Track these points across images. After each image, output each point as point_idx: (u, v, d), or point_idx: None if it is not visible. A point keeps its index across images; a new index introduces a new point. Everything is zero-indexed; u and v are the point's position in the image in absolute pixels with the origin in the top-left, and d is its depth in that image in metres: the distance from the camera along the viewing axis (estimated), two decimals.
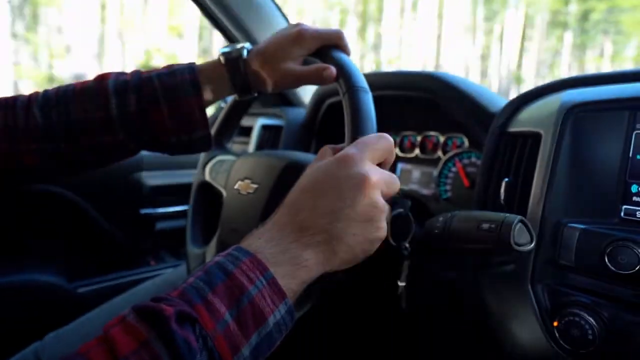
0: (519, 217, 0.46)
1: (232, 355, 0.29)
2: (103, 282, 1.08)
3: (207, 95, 0.54)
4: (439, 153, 0.89)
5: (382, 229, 0.39)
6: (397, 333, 0.99)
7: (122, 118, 0.52)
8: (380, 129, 0.45)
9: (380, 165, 0.41)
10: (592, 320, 0.45)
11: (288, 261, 0.35)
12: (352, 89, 0.47)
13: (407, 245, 0.66)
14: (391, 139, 0.42)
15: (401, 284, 0.68)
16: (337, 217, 0.36)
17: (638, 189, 0.48)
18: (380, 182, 0.38)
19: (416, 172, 0.94)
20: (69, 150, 0.52)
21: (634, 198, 0.48)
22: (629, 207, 0.48)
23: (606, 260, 0.45)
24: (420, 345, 0.94)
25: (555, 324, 0.48)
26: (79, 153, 0.53)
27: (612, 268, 0.44)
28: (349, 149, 0.39)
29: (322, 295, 0.54)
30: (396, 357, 0.98)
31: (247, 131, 1.17)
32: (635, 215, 0.47)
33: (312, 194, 0.38)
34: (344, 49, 0.54)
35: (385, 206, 0.39)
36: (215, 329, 0.29)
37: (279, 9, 1.05)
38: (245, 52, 0.54)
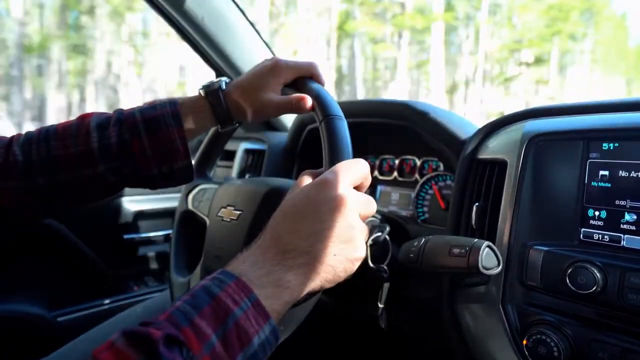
0: (487, 242, 0.49)
1: None
2: (85, 309, 1.06)
3: (189, 126, 0.56)
4: (416, 176, 0.93)
5: (361, 248, 0.41)
6: (380, 353, 1.00)
7: (103, 150, 0.52)
8: (360, 153, 0.47)
9: (357, 188, 0.43)
10: (557, 338, 0.48)
11: (272, 283, 0.36)
12: (327, 117, 0.50)
13: (385, 267, 0.69)
14: (367, 164, 0.45)
15: (381, 305, 0.70)
16: (317, 239, 0.38)
17: (594, 213, 0.51)
18: (358, 204, 0.41)
19: (395, 194, 0.97)
20: (47, 185, 0.52)
21: (591, 222, 0.51)
22: (587, 230, 0.52)
23: (567, 281, 0.48)
24: None
25: (524, 342, 0.51)
26: (58, 188, 0.53)
27: (573, 288, 0.47)
28: (327, 174, 0.42)
29: (306, 317, 0.55)
30: None
31: (230, 155, 1.19)
32: (592, 238, 0.51)
33: (293, 218, 0.40)
34: (319, 80, 0.58)
35: (363, 227, 0.41)
36: (202, 351, 0.30)
37: (266, 43, 1.09)
38: (223, 84, 0.57)
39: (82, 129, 0.53)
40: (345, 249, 0.39)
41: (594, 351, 0.46)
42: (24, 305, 0.98)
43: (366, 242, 0.67)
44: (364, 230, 0.41)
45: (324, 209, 0.39)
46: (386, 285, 0.69)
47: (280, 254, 0.38)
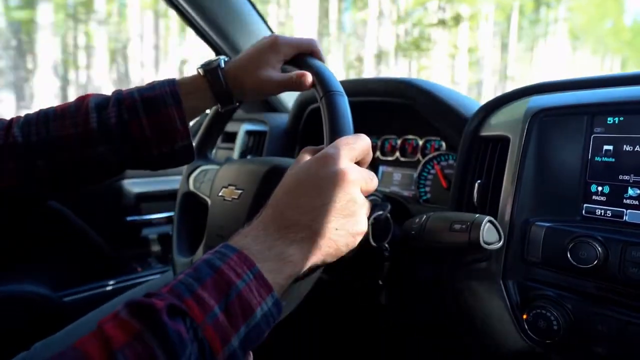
0: (488, 217, 0.49)
1: (222, 345, 0.31)
2: (89, 290, 1.08)
3: (188, 106, 0.55)
4: (418, 156, 0.92)
5: (363, 223, 0.41)
6: (381, 332, 1.02)
7: (102, 131, 0.52)
8: (362, 133, 0.47)
9: (358, 163, 0.43)
10: (557, 312, 0.48)
11: (274, 257, 0.37)
12: (328, 93, 0.50)
13: (387, 246, 0.69)
14: (368, 139, 0.44)
15: (381, 282, 0.71)
16: (319, 214, 0.38)
17: (597, 188, 0.51)
18: (359, 179, 0.41)
19: (397, 175, 0.97)
20: (47, 166, 0.52)
21: (594, 197, 0.51)
22: (590, 205, 0.51)
23: (568, 256, 0.48)
24: (404, 342, 0.97)
25: (524, 316, 0.51)
26: (58, 169, 0.52)
27: (574, 263, 0.47)
28: (328, 149, 0.41)
29: (308, 296, 0.56)
30: (381, 353, 1.00)
31: (231, 137, 1.19)
32: (595, 213, 0.51)
33: (294, 193, 0.40)
34: (318, 56, 0.57)
35: (364, 202, 0.41)
36: (205, 320, 0.31)
37: (265, 22, 1.07)
38: (222, 63, 0.56)
39: (80, 110, 0.53)
40: (347, 224, 0.39)
41: (593, 324, 0.46)
42: (30, 285, 0.99)
43: (368, 220, 0.67)
44: (365, 205, 0.41)
45: (325, 183, 0.39)
46: (387, 264, 0.70)
47: (282, 228, 0.38)
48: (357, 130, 0.48)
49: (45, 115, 0.53)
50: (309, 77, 0.53)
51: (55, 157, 0.52)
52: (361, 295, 0.85)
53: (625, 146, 0.49)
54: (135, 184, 1.19)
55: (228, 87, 0.57)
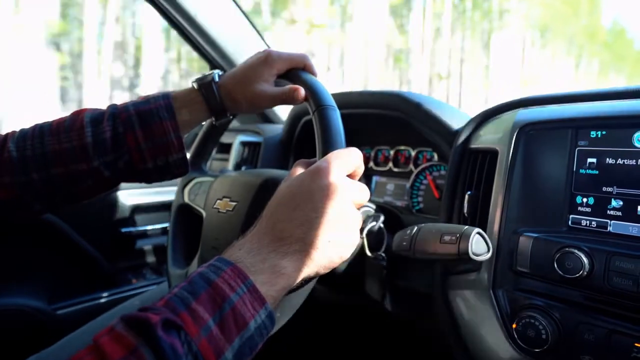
0: (477, 229, 0.50)
1: (216, 358, 0.32)
2: (83, 302, 1.07)
3: (183, 119, 0.56)
4: (411, 166, 0.94)
5: (355, 234, 0.42)
6: (380, 340, 1.02)
7: (97, 144, 0.53)
8: (356, 144, 0.48)
9: (350, 176, 0.44)
10: (546, 322, 0.49)
11: (267, 270, 0.37)
12: (320, 107, 0.51)
13: (383, 255, 0.70)
14: (359, 152, 0.45)
15: (383, 290, 0.72)
16: (312, 226, 0.39)
17: (582, 200, 0.52)
18: (351, 191, 0.41)
19: (390, 185, 0.98)
20: (42, 180, 0.52)
21: (579, 208, 0.53)
22: (575, 216, 0.53)
23: (555, 266, 0.49)
24: (398, 350, 0.98)
25: (514, 326, 0.52)
26: (53, 183, 0.53)
27: (561, 273, 0.49)
28: (321, 163, 0.42)
29: (307, 308, 0.56)
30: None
31: (226, 148, 1.20)
32: (580, 224, 0.52)
33: (287, 206, 0.40)
34: (311, 71, 0.59)
35: (357, 214, 0.42)
36: (199, 334, 0.31)
37: (261, 35, 1.09)
38: (216, 76, 0.58)
39: (75, 124, 0.53)
40: (340, 236, 0.40)
41: (580, 333, 0.47)
42: (23, 298, 0.99)
43: (362, 232, 0.68)
44: (357, 217, 0.42)
45: (318, 196, 0.40)
46: (385, 271, 0.71)
47: (276, 241, 0.39)
48: (350, 140, 0.49)
49: (40, 130, 0.54)
50: (302, 92, 0.55)
51: (51, 171, 0.52)
52: (361, 306, 0.85)
53: (608, 159, 0.51)
54: (130, 195, 1.19)
55: (222, 100, 0.58)
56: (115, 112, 0.55)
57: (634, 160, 0.49)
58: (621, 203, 0.49)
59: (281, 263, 0.38)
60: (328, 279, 0.84)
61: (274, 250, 0.38)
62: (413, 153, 0.94)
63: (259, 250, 0.38)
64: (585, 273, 0.47)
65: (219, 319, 0.33)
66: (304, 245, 0.39)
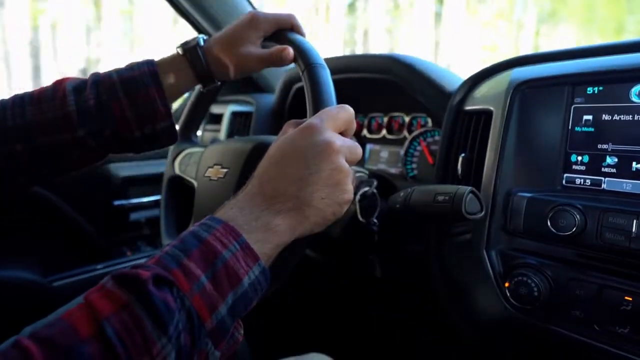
0: (470, 188, 0.49)
1: (210, 313, 0.32)
2: (79, 275, 1.07)
3: (169, 85, 0.55)
4: (405, 133, 0.93)
5: (349, 191, 0.42)
6: (374, 304, 1.04)
7: (81, 114, 0.51)
8: None
9: (342, 133, 0.43)
10: (538, 279, 0.49)
11: (260, 227, 0.37)
12: (309, 66, 0.50)
13: (375, 220, 0.70)
14: (351, 109, 0.45)
15: (372, 256, 0.72)
16: (305, 183, 0.39)
17: (577, 158, 0.52)
18: (343, 148, 0.41)
19: (384, 152, 0.97)
20: (26, 151, 0.50)
21: (574, 167, 0.52)
22: (570, 175, 0.52)
23: (549, 224, 0.49)
24: (393, 315, 1.00)
25: (506, 284, 0.52)
26: (36, 154, 0.51)
27: (554, 230, 0.49)
28: (312, 120, 0.42)
29: (301, 274, 0.56)
30: (373, 328, 1.03)
31: (217, 119, 1.18)
32: (575, 183, 0.52)
33: (280, 164, 0.40)
34: (299, 30, 0.57)
35: (349, 170, 0.42)
36: (192, 289, 0.31)
37: (249, 1, 1.05)
38: (201, 41, 0.56)
39: (58, 93, 0.51)
40: (333, 193, 0.40)
41: (571, 289, 0.48)
42: (19, 271, 0.98)
43: (355, 196, 0.68)
44: (350, 173, 0.42)
45: (310, 153, 0.39)
46: (376, 237, 0.71)
47: (268, 199, 0.38)
48: None
49: (20, 100, 0.52)
50: (290, 51, 0.53)
51: (34, 141, 0.51)
52: (356, 270, 0.86)
53: (604, 115, 0.50)
54: (121, 168, 1.18)
55: (208, 65, 0.56)
56: (98, 80, 0.53)
57: (631, 116, 0.48)
58: (616, 160, 0.49)
59: (274, 221, 0.38)
60: (320, 245, 0.85)
61: (267, 208, 0.38)
62: (407, 119, 0.93)
63: (252, 209, 0.38)
64: (579, 230, 0.47)
65: (212, 275, 0.33)
66: (298, 202, 0.38)
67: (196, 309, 0.31)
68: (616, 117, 0.49)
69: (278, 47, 0.54)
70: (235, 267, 0.34)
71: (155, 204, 1.25)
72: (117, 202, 1.16)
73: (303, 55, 0.52)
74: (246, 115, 1.10)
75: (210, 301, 0.32)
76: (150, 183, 1.21)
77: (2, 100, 0.53)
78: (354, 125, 0.45)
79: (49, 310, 0.83)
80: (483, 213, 0.50)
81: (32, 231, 1.07)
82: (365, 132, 1.00)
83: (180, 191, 0.82)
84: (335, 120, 0.42)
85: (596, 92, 0.51)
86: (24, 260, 1.02)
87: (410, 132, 0.92)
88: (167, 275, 0.31)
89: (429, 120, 0.89)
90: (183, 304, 0.30)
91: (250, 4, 1.07)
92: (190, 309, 0.30)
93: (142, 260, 0.34)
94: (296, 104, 1.01)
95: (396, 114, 0.95)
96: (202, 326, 0.31)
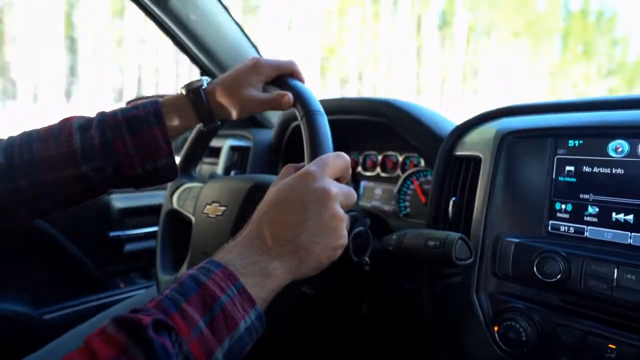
0: (460, 235, 0.51)
1: (207, 358, 0.32)
2: (70, 307, 1.06)
3: (171, 124, 0.57)
4: (398, 171, 0.95)
5: (344, 237, 0.43)
6: (364, 343, 1.03)
7: (85, 151, 0.53)
8: (344, 149, 0.49)
9: (338, 180, 0.45)
10: (525, 324, 0.51)
11: (257, 272, 0.38)
12: (308, 112, 0.52)
13: (367, 259, 0.71)
14: (347, 157, 0.47)
15: (362, 294, 0.73)
16: (302, 229, 0.40)
17: (561, 206, 0.54)
18: (339, 194, 0.43)
19: (378, 190, 0.99)
20: (31, 187, 0.52)
21: (558, 214, 0.55)
22: (555, 222, 0.55)
23: (535, 270, 0.51)
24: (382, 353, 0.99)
25: (496, 328, 0.54)
26: (41, 189, 0.53)
27: (539, 276, 0.50)
28: (310, 167, 0.43)
29: (291, 304, 0.57)
30: None
31: (216, 152, 1.20)
32: (559, 230, 0.54)
33: (277, 209, 0.42)
34: (299, 77, 0.60)
35: (344, 216, 0.43)
36: (190, 334, 0.32)
37: (252, 42, 1.10)
38: (205, 83, 0.59)
39: (64, 131, 0.54)
40: (328, 238, 0.41)
41: (558, 335, 0.49)
42: (9, 303, 0.97)
43: (349, 235, 0.69)
44: (345, 219, 0.43)
45: (307, 199, 0.41)
46: (368, 275, 0.72)
47: (266, 243, 0.40)
48: (339, 146, 0.50)
49: (28, 137, 0.54)
50: (290, 97, 0.56)
51: (39, 177, 0.52)
52: (344, 309, 0.86)
53: (584, 167, 0.53)
54: (118, 199, 1.19)
55: (210, 106, 0.58)
56: (104, 119, 0.55)
57: (609, 169, 0.51)
58: (597, 210, 0.51)
59: (271, 265, 0.39)
60: (313, 281, 0.85)
61: (264, 252, 0.39)
62: (400, 158, 0.96)
63: (249, 253, 0.39)
64: (564, 277, 0.49)
65: (210, 320, 0.34)
66: (294, 247, 0.40)
67: (193, 354, 0.32)
68: (595, 170, 0.52)
69: (279, 92, 0.57)
70: (233, 312, 0.35)
71: (151, 235, 1.25)
72: (113, 233, 1.17)
73: (302, 102, 0.54)
74: (244, 150, 1.12)
75: (207, 346, 0.33)
76: (147, 214, 1.22)
77: (11, 137, 0.55)
78: (349, 172, 0.47)
79: (40, 344, 0.82)
80: (472, 259, 0.52)
81: (24, 261, 1.06)
82: (360, 169, 1.03)
83: (177, 225, 0.82)
84: (331, 168, 0.44)
85: (577, 145, 0.54)
86: (15, 291, 1.01)
87: (403, 170, 0.95)
88: (166, 320, 0.32)
89: (422, 160, 0.92)
90: (181, 349, 0.31)
91: (256, 49, 1.11)
92: (188, 354, 0.31)
93: (136, 293, 0.35)
94: (293, 141, 1.04)
95: (390, 152, 0.98)
96: None
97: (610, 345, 0.45)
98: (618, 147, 0.51)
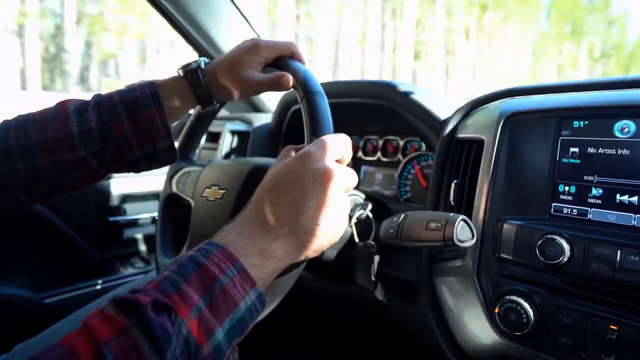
0: (462, 216, 0.51)
1: (207, 338, 0.32)
2: (71, 291, 1.07)
3: (169, 107, 0.56)
4: (399, 156, 0.95)
5: (344, 218, 0.43)
6: (369, 327, 1.04)
7: (83, 134, 0.52)
8: (345, 133, 0.49)
9: (338, 161, 0.45)
10: (527, 306, 0.51)
11: (257, 253, 0.38)
12: (308, 94, 0.51)
13: (372, 242, 0.71)
14: (348, 138, 0.46)
15: (373, 278, 0.73)
16: (302, 210, 0.39)
17: (564, 188, 0.54)
18: (340, 176, 0.42)
19: (379, 174, 0.99)
20: (28, 170, 0.51)
21: (561, 196, 0.54)
22: (557, 204, 0.54)
23: (537, 252, 0.51)
24: (385, 336, 0.99)
25: (496, 310, 0.53)
26: (38, 173, 0.52)
27: (542, 259, 0.50)
28: (310, 147, 0.43)
29: (299, 298, 0.57)
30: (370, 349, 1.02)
31: (215, 137, 1.19)
32: (562, 212, 0.54)
33: (277, 190, 0.41)
34: (299, 58, 0.59)
35: (345, 198, 0.43)
36: (190, 314, 0.32)
37: (249, 23, 1.08)
38: (202, 64, 0.57)
39: (60, 114, 0.53)
40: (329, 219, 0.41)
41: (559, 317, 0.49)
42: (10, 287, 0.98)
43: (350, 220, 0.69)
44: (346, 201, 0.43)
45: (307, 180, 0.40)
46: (376, 258, 0.72)
47: (266, 225, 0.39)
48: (340, 130, 0.49)
49: (24, 120, 0.53)
50: (290, 78, 0.55)
51: (36, 161, 0.52)
52: (353, 294, 0.86)
53: (589, 148, 0.52)
54: (118, 184, 1.18)
55: (208, 87, 0.57)
56: (100, 101, 0.54)
57: (614, 150, 0.50)
58: (601, 191, 0.51)
59: (271, 246, 0.39)
60: (318, 268, 0.85)
61: (264, 234, 0.39)
62: (401, 143, 0.95)
63: (249, 234, 0.39)
64: (566, 259, 0.49)
65: (209, 300, 0.33)
66: (294, 228, 0.39)
67: (193, 334, 0.31)
68: (600, 151, 0.51)
69: (278, 73, 0.56)
70: (232, 292, 0.35)
71: (151, 220, 1.25)
72: (112, 218, 1.16)
73: (302, 83, 0.53)
74: (244, 134, 1.11)
75: (207, 326, 0.32)
76: (146, 199, 1.22)
77: (7, 120, 0.54)
78: (350, 154, 0.46)
79: (40, 327, 0.82)
80: (474, 240, 0.51)
81: (24, 246, 1.06)
82: (360, 154, 1.02)
83: (177, 209, 0.82)
84: (332, 148, 0.43)
85: (582, 126, 0.53)
86: (17, 275, 1.02)
87: (404, 155, 0.94)
88: (165, 300, 0.31)
89: (423, 145, 0.91)
90: (180, 329, 0.31)
91: (254, 30, 1.09)
92: (187, 334, 0.31)
93: (135, 277, 0.35)
94: (293, 125, 1.03)
95: (391, 137, 0.97)
96: (198, 352, 0.32)
97: (611, 326, 0.45)
98: (624, 128, 0.50)
